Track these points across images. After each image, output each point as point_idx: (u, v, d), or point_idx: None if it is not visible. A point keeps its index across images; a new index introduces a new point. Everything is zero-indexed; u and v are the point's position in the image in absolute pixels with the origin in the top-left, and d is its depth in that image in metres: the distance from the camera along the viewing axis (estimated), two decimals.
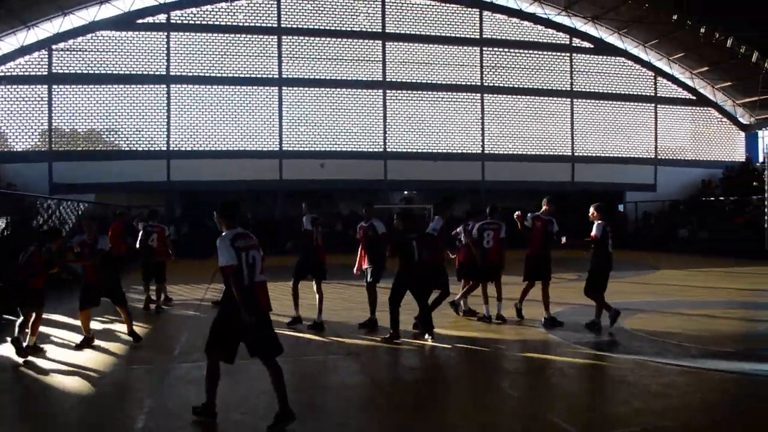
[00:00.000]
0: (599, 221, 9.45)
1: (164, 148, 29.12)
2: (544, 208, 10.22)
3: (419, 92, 31.70)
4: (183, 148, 29.34)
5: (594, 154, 33.89)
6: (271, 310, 5.49)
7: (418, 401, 6.22)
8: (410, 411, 5.90)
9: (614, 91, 34.28)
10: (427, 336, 8.63)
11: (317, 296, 9.78)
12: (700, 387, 6.61)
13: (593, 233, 9.39)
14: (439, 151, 31.86)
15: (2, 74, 27.59)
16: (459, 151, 32.15)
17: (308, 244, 9.96)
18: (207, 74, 29.43)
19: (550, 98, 33.35)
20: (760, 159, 35.00)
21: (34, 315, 8.15)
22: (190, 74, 29.28)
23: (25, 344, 7.98)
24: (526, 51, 32.93)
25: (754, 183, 30.90)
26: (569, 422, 5.39)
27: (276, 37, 29.96)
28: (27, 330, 8.12)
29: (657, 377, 6.81)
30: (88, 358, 8.00)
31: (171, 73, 29.03)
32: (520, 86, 32.86)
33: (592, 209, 9.67)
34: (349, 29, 30.79)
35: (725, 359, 7.69)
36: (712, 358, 7.74)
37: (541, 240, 10.04)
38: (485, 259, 10.25)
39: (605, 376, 7.26)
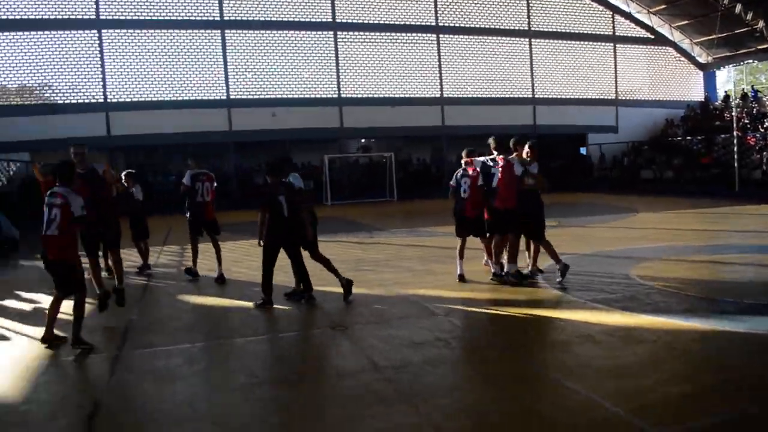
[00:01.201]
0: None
1: (101, 100, 26.77)
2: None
3: (373, 33, 29.94)
4: (122, 100, 27.04)
5: (555, 96, 32.91)
6: None
7: (434, 385, 4.99)
8: (428, 397, 4.69)
9: (573, 30, 33.16)
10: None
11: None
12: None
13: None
14: (397, 96, 30.33)
15: None
16: (417, 96, 30.70)
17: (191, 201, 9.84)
18: (141, 17, 26.95)
19: (508, 38, 32.07)
20: (719, 97, 34.68)
21: None
22: (122, 18, 26.76)
23: None
24: None
25: (716, 122, 30.54)
26: (632, 413, 4.21)
27: None
28: None
29: (708, 343, 5.78)
30: None
31: (101, 17, 26.47)
32: (477, 26, 31.41)
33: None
34: None
35: None
36: (756, 314, 6.73)
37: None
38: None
39: (645, 344, 5.82)
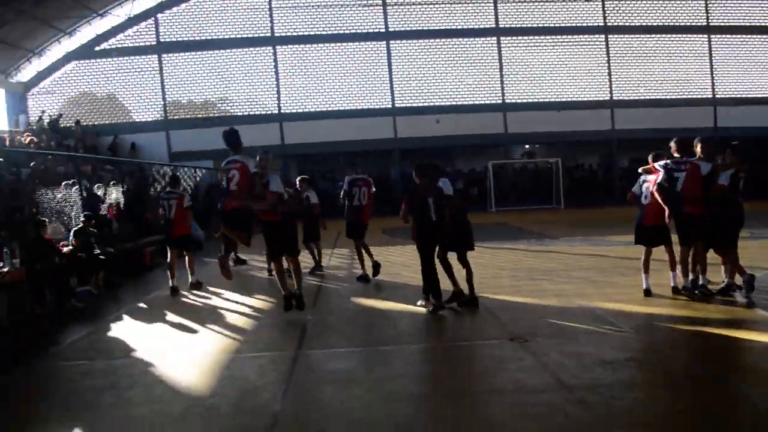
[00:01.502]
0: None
1: (276, 112, 28.35)
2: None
3: (536, 37, 29.11)
4: (294, 110, 28.44)
5: (740, 96, 30.14)
6: None
7: (634, 412, 4.48)
8: (630, 426, 4.22)
9: (755, 23, 30.17)
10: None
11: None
12: None
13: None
14: (563, 100, 29.28)
15: (114, 46, 27.65)
16: (584, 99, 29.42)
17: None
18: (311, 32, 28.24)
19: (684, 35, 29.81)
20: None
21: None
22: (295, 34, 28.20)
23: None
24: None
25: None
26: None
27: None
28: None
29: None
30: None
31: (276, 34, 28.06)
32: (650, 24, 29.52)
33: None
34: None
35: None
36: None
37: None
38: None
39: None
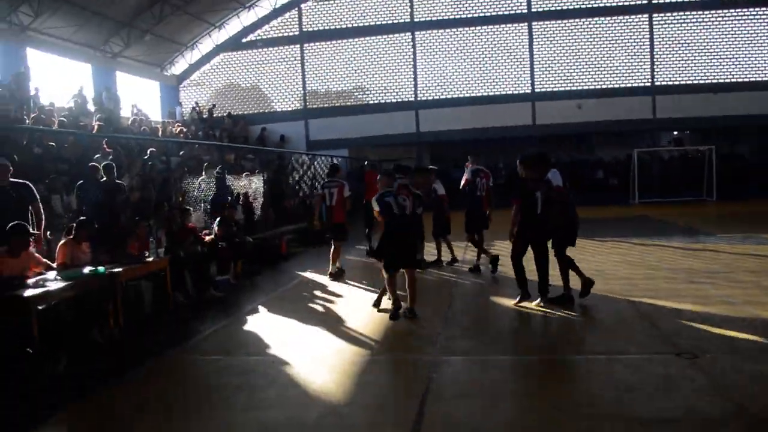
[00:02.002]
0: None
1: (412, 99, 28.26)
2: None
3: (691, 13, 26.83)
4: (431, 98, 28.21)
5: None
6: None
7: None
8: None
9: None
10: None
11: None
12: None
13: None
14: (721, 81, 26.88)
15: (260, 37, 28.73)
16: (747, 80, 26.78)
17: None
18: (451, 17, 27.79)
19: None
20: None
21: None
22: (434, 18, 27.88)
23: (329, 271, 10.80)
24: None
25: None
26: None
27: None
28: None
29: None
30: None
31: (415, 20, 27.91)
32: None
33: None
34: None
35: None
36: None
37: None
38: None
39: None
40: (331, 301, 8.98)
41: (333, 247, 10.85)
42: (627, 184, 25.90)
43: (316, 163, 20.28)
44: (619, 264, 10.57)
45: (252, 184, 14.53)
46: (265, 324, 7.83)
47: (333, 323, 7.57)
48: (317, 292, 9.69)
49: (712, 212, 21.23)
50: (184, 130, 22.54)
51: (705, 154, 25.73)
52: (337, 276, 10.70)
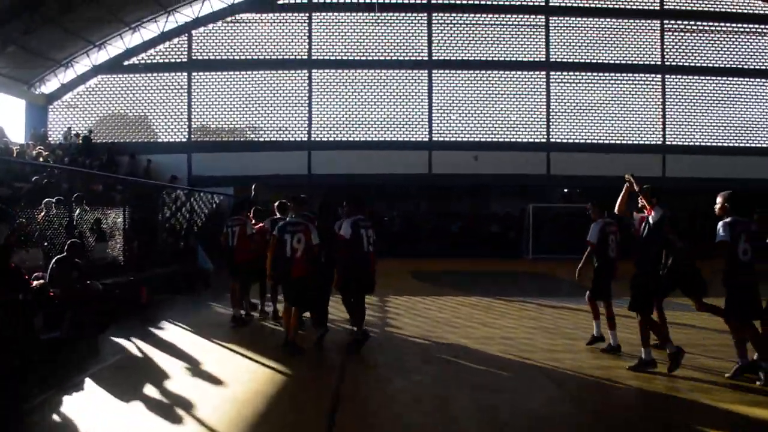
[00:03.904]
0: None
1: (305, 139, 26.86)
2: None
3: (587, 74, 27.33)
4: (325, 139, 26.93)
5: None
6: None
7: None
8: None
9: None
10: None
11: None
12: None
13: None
14: (612, 142, 27.31)
15: (144, 62, 26.57)
16: (635, 143, 27.42)
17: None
18: (350, 57, 26.83)
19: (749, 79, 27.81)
20: None
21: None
22: (333, 57, 26.82)
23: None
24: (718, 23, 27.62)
25: None
26: None
27: (426, 13, 26.84)
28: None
29: None
30: None
31: (313, 57, 26.73)
32: (712, 65, 27.54)
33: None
34: (507, 3, 27.05)
35: None
36: None
37: None
38: None
39: None
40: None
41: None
42: (520, 238, 25.49)
43: (192, 199, 18.24)
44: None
45: (109, 219, 12.42)
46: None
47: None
48: (160, 365, 7.58)
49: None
50: (45, 153, 19.97)
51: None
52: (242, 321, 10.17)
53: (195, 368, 7.43)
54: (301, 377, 7.03)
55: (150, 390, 6.48)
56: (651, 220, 7.08)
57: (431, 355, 8.12)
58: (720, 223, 6.64)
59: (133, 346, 8.70)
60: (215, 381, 6.88)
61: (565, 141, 27.18)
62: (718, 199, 6.82)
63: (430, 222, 27.16)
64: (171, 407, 5.90)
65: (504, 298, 13.43)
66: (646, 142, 27.47)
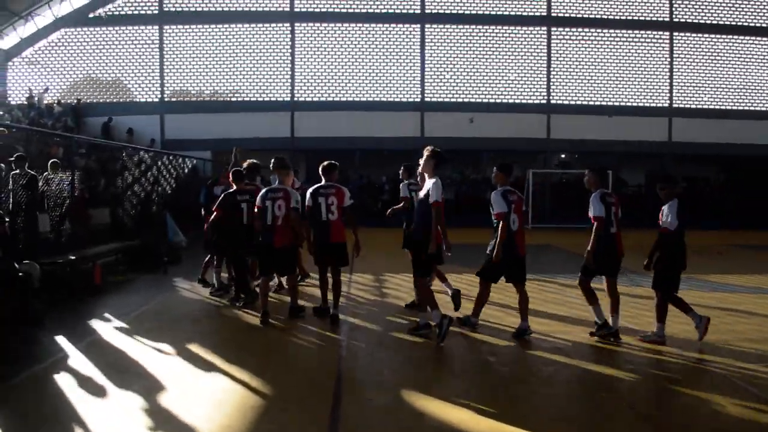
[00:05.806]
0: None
1: (288, 99, 24.89)
2: None
3: (590, 30, 25.48)
4: (309, 99, 24.98)
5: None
6: None
7: None
8: None
9: None
10: None
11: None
12: None
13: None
14: (615, 104, 25.63)
15: (112, 13, 24.28)
16: (641, 105, 25.76)
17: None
18: (336, 9, 24.74)
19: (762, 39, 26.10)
20: None
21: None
22: (317, 10, 24.72)
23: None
24: None
25: None
26: None
27: None
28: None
29: None
30: None
31: (295, 9, 24.63)
32: (721, 23, 25.79)
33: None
34: None
35: None
36: None
37: None
38: None
39: None
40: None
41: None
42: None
43: (160, 163, 16.27)
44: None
45: (52, 185, 10.44)
46: None
47: None
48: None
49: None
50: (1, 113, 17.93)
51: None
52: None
53: (137, 378, 5.66)
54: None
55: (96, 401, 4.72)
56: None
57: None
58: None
59: (71, 345, 6.85)
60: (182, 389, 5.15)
61: (566, 103, 25.42)
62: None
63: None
64: None
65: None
66: (652, 105, 25.77)
